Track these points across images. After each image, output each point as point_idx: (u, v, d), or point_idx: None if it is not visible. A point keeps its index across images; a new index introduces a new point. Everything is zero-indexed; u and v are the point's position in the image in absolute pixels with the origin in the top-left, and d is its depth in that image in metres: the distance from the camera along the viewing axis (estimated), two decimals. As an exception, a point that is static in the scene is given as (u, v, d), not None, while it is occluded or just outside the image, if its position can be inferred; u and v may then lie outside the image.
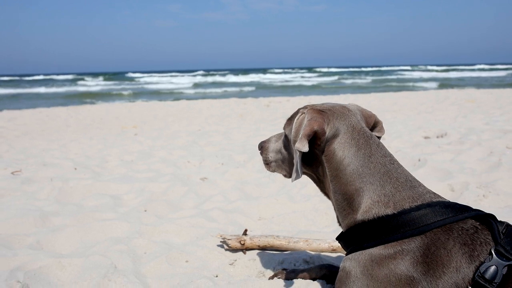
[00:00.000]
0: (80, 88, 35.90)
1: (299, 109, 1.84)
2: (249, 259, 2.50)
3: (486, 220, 1.50)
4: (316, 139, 1.69)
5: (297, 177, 1.67)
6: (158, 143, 7.13)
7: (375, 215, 1.57)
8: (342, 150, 1.67)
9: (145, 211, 3.44)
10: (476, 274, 1.37)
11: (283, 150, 1.95)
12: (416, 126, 7.56)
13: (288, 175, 1.99)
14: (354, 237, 1.62)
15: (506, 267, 1.36)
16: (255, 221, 3.19)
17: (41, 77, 63.43)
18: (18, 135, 9.08)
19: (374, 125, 1.91)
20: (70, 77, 61.22)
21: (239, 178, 4.43)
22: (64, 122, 11.53)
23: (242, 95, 23.74)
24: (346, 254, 1.68)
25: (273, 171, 2.05)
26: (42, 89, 34.34)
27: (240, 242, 2.56)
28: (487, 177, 3.85)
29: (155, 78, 53.25)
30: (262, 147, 2.07)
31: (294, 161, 1.68)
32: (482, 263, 1.39)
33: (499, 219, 1.53)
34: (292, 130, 1.78)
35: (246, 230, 2.64)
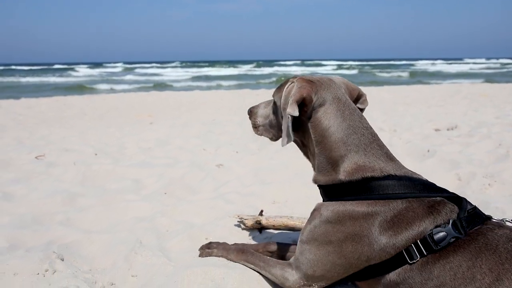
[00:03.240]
0: (92, 78, 36.30)
1: (288, 79, 1.99)
2: (265, 237, 2.68)
3: (458, 198, 1.70)
4: (303, 106, 1.84)
5: (289, 140, 1.81)
6: (174, 131, 7.31)
7: (362, 176, 1.75)
8: (328, 119, 1.83)
9: (165, 193, 3.64)
10: (428, 233, 1.59)
11: (271, 116, 2.10)
12: (427, 119, 7.67)
13: (274, 138, 2.16)
14: (337, 191, 1.80)
15: (454, 238, 1.57)
16: (269, 204, 3.37)
17: (57, 66, 63.99)
18: (37, 123, 9.32)
19: (358, 97, 2.06)
20: (84, 66, 61.76)
21: (254, 165, 4.60)
22: (80, 110, 11.78)
23: (255, 86, 23.87)
24: (323, 200, 1.89)
25: (261, 134, 2.20)
26: (54, 79, 34.84)
27: (256, 221, 2.74)
28: (494, 168, 3.97)
29: (167, 69, 53.50)
30: (251, 111, 2.22)
31: (284, 126, 1.82)
32: (438, 226, 1.60)
33: (503, 208, 1.73)
34: (282, 97, 1.92)
35: (262, 211, 2.82)
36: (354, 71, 45.91)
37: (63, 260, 2.33)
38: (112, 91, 23.15)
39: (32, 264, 2.21)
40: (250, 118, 2.23)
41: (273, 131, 2.13)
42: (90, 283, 2.12)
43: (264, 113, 2.15)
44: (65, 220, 3.03)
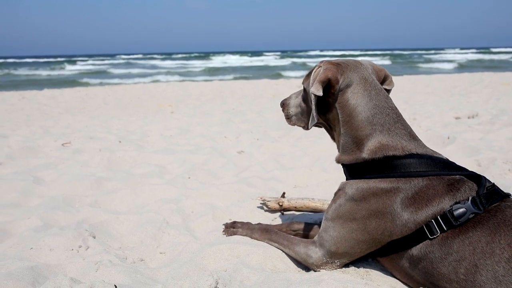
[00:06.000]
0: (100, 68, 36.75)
1: (316, 64, 2.04)
2: (287, 219, 2.76)
3: (477, 176, 1.75)
4: (330, 88, 1.89)
5: (313, 121, 1.88)
6: (195, 120, 7.43)
7: (384, 154, 1.81)
8: (355, 99, 1.88)
9: (189, 178, 3.74)
10: (448, 209, 1.65)
11: (302, 104, 2.15)
12: (448, 108, 7.63)
13: (307, 126, 2.17)
14: (361, 170, 1.86)
15: (473, 214, 1.62)
16: (290, 188, 3.44)
17: (75, 58, 64.71)
18: (61, 112, 9.52)
19: (384, 78, 2.10)
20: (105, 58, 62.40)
21: (275, 152, 4.68)
22: (102, 100, 11.97)
23: (274, 77, 23.88)
24: (347, 179, 1.94)
25: (293, 124, 2.25)
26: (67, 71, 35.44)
27: (278, 203, 2.82)
28: (514, 154, 3.98)
29: (185, 60, 53.71)
30: (284, 104, 2.28)
31: (313, 106, 1.87)
32: (458, 203, 1.66)
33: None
34: (310, 82, 1.96)
35: (284, 193, 2.89)
36: (387, 61, 44.28)
37: (94, 238, 2.46)
38: (132, 82, 23.37)
39: (66, 241, 2.34)
40: (283, 110, 2.28)
41: (305, 119, 2.17)
42: (121, 259, 2.23)
43: (296, 102, 2.21)
44: (94, 202, 3.16)
